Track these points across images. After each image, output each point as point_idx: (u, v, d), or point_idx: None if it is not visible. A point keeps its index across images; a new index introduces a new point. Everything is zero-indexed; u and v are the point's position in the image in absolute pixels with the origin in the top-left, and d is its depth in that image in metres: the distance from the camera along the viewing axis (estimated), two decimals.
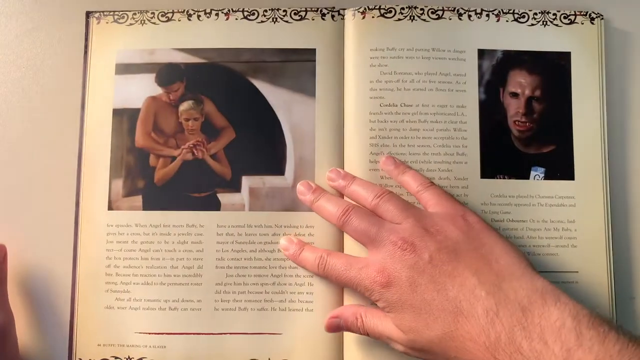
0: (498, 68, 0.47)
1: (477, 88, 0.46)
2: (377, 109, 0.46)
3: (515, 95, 0.46)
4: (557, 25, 0.47)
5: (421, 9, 0.47)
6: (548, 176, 0.46)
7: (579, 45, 0.47)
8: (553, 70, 0.47)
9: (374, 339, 0.41)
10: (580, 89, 0.46)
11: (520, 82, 0.46)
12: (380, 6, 0.47)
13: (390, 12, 0.47)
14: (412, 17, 0.47)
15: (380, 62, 0.46)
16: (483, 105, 0.46)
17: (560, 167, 0.46)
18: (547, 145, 0.46)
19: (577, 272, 0.45)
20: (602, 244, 0.45)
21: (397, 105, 0.46)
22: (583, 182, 0.46)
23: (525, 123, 0.46)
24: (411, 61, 0.46)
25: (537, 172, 0.46)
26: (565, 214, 0.45)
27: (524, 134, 0.46)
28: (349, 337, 0.44)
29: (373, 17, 0.47)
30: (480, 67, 0.47)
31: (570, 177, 0.46)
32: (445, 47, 0.47)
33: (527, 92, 0.46)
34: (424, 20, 0.47)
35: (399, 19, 0.47)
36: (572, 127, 0.46)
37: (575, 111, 0.46)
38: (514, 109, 0.46)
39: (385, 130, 0.45)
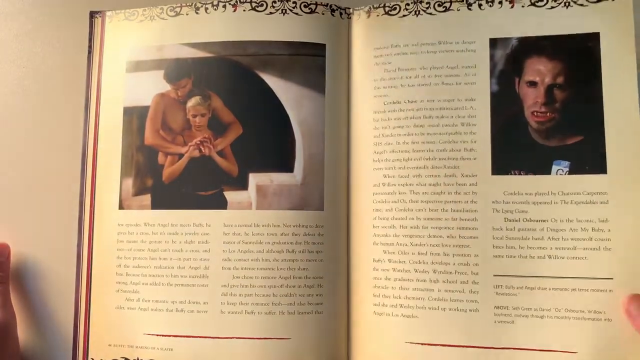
0: (513, 57, 0.44)
1: (489, 79, 0.44)
2: (381, 107, 0.45)
3: (533, 84, 0.43)
4: (581, 5, 0.43)
5: (427, 3, 0.45)
6: (574, 170, 0.41)
7: (610, 24, 0.43)
8: (578, 54, 0.43)
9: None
10: (612, 72, 0.42)
11: (540, 70, 0.43)
12: (384, 4, 0.46)
13: (395, 9, 0.46)
14: (416, 12, 0.46)
15: (384, 60, 0.45)
16: (495, 97, 0.43)
17: (590, 159, 0.41)
18: (573, 136, 0.42)
19: (611, 279, 0.40)
20: None
21: (400, 102, 0.44)
22: (617, 175, 0.41)
23: (545, 113, 0.42)
24: (415, 56, 0.45)
25: (560, 166, 0.41)
26: (596, 213, 0.41)
27: (543, 125, 0.42)
28: (357, 342, 0.43)
29: (377, 15, 0.46)
30: (492, 57, 0.44)
31: (602, 170, 0.41)
32: (453, 39, 0.45)
33: (548, 79, 0.43)
34: (430, 14, 0.45)
35: (404, 15, 0.46)
36: (602, 114, 0.41)
37: (607, 97, 0.42)
38: (531, 99, 0.43)
39: (389, 129, 0.44)
